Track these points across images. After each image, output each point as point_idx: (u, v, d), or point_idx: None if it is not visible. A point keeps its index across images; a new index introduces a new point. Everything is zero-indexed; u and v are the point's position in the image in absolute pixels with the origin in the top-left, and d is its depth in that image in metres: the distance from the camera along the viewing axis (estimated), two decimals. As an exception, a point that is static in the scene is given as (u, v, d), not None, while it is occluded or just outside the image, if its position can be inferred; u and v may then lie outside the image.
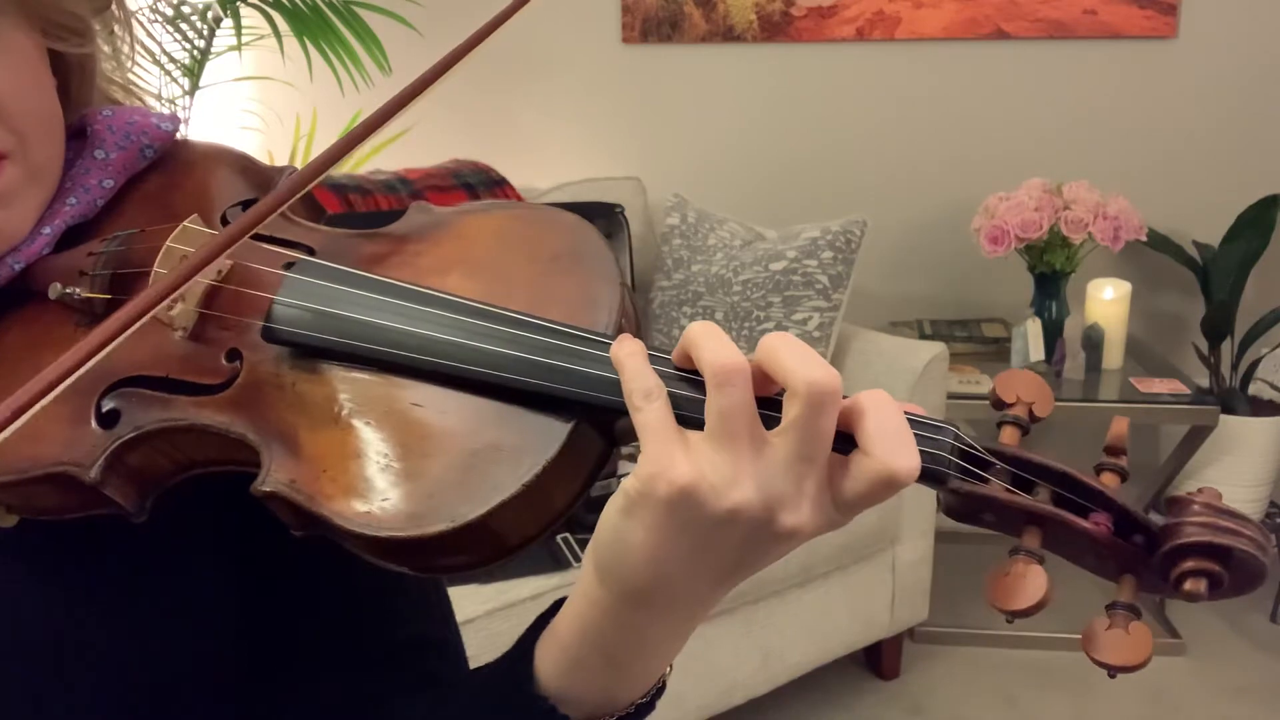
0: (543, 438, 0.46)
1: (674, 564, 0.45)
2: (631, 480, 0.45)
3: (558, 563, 1.77)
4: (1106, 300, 2.57)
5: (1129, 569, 0.47)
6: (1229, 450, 2.56)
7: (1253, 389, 2.68)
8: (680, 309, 2.39)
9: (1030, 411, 0.50)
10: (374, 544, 0.46)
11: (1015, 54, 2.81)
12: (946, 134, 2.87)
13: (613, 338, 0.47)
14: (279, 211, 0.46)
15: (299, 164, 2.85)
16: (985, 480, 0.47)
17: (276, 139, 2.88)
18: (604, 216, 2.40)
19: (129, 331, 0.41)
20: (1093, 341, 2.55)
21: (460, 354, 0.48)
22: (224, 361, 0.51)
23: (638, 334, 0.52)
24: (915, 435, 0.45)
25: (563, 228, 0.53)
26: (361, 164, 2.81)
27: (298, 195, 0.47)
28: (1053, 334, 2.58)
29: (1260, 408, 2.64)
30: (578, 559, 1.78)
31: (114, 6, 0.61)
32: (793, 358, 0.43)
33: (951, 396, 2.33)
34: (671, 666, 0.53)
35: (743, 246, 2.38)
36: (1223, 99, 2.76)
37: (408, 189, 2.29)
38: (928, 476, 0.46)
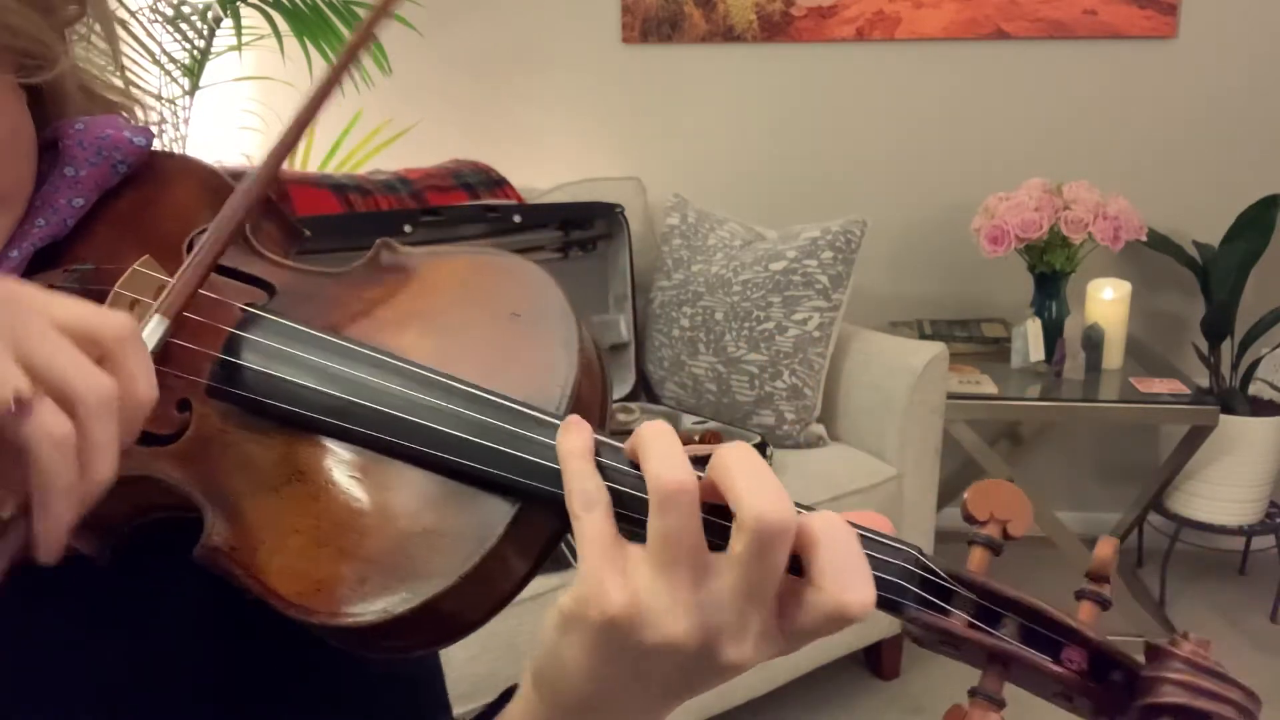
0: (485, 523, 0.45)
1: (610, 684, 0.44)
2: (566, 599, 0.43)
3: (558, 563, 1.77)
4: (1106, 300, 2.57)
5: (1104, 711, 0.43)
6: (1229, 450, 2.56)
7: (1253, 389, 2.68)
8: (680, 309, 2.39)
9: (1004, 530, 0.46)
10: (309, 626, 0.45)
11: (1015, 54, 2.81)
12: (946, 134, 2.87)
13: (561, 417, 0.46)
14: (211, 269, 0.47)
15: (299, 165, 2.86)
16: (946, 612, 0.43)
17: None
18: (604, 216, 2.40)
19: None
20: (1093, 341, 2.55)
21: (404, 430, 0.46)
22: (175, 411, 0.50)
23: (604, 375, 0.50)
24: (872, 557, 0.42)
25: (526, 283, 0.52)
26: (362, 164, 2.81)
27: (225, 246, 0.48)
28: (1053, 334, 2.58)
29: (1260, 408, 2.63)
30: (577, 559, 1.78)
31: (89, 16, 0.59)
32: (744, 483, 0.40)
33: (951, 396, 2.33)
34: None
35: (743, 246, 2.38)
36: (1223, 99, 2.76)
37: (408, 189, 2.29)
38: (882, 605, 0.43)
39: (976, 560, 0.45)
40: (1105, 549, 0.45)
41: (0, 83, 0.53)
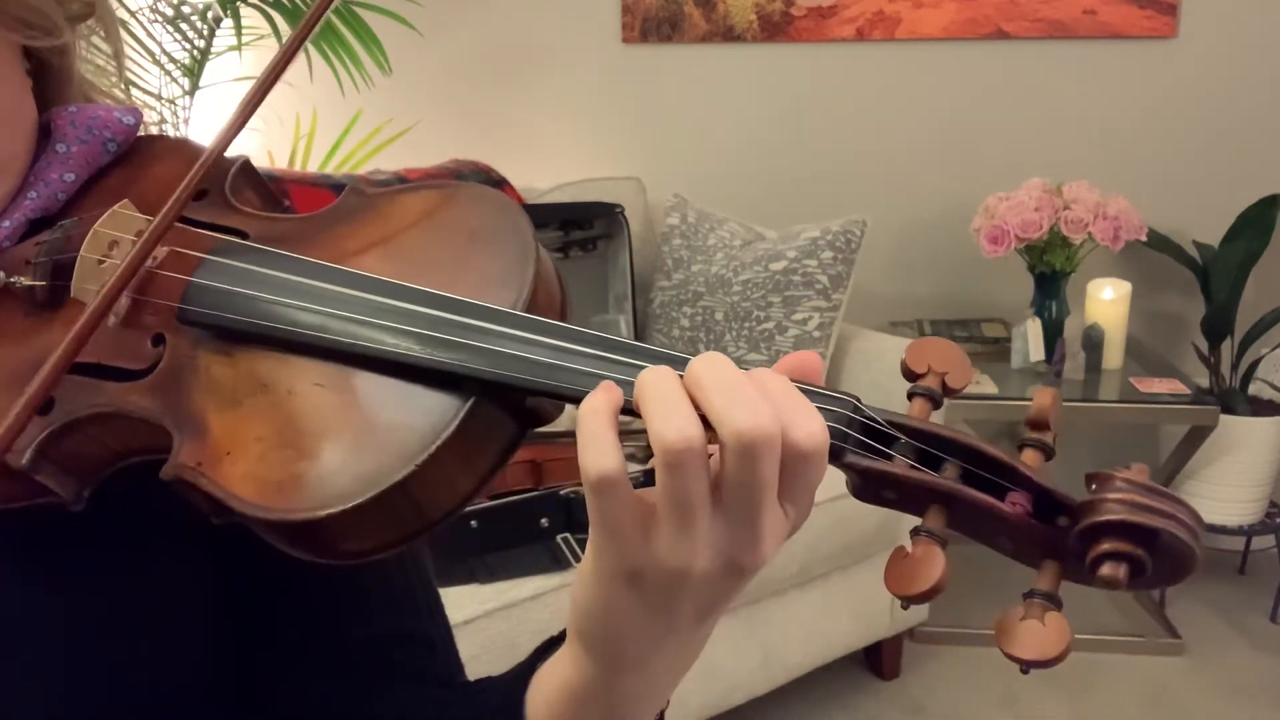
0: (439, 417, 0.46)
1: (640, 618, 0.45)
2: (587, 562, 0.44)
3: (558, 562, 1.77)
4: (1106, 300, 2.57)
5: (1051, 554, 0.42)
6: (1229, 450, 2.56)
7: (1253, 389, 2.68)
8: (680, 309, 2.39)
9: (943, 382, 0.45)
10: (272, 527, 0.46)
11: (1015, 54, 2.81)
12: (946, 134, 2.87)
13: (517, 311, 0.47)
14: (182, 206, 0.49)
15: (299, 165, 2.85)
16: (888, 457, 0.43)
17: (276, 139, 2.88)
18: (604, 216, 2.40)
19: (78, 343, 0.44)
20: (1093, 341, 2.55)
21: (357, 332, 0.48)
22: (150, 346, 0.52)
23: (562, 288, 0.52)
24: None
25: (483, 206, 0.54)
26: (362, 164, 2.81)
27: (195, 181, 0.49)
28: (1053, 334, 2.58)
29: (1260, 408, 2.63)
30: (578, 558, 1.78)
31: (95, 18, 0.62)
32: (719, 399, 0.40)
33: (951, 396, 2.33)
34: (669, 701, 0.52)
35: (743, 246, 2.38)
36: (1223, 99, 2.75)
37: (408, 189, 2.28)
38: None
39: (917, 409, 0.45)
40: (1044, 397, 0.44)
41: (8, 57, 0.56)
